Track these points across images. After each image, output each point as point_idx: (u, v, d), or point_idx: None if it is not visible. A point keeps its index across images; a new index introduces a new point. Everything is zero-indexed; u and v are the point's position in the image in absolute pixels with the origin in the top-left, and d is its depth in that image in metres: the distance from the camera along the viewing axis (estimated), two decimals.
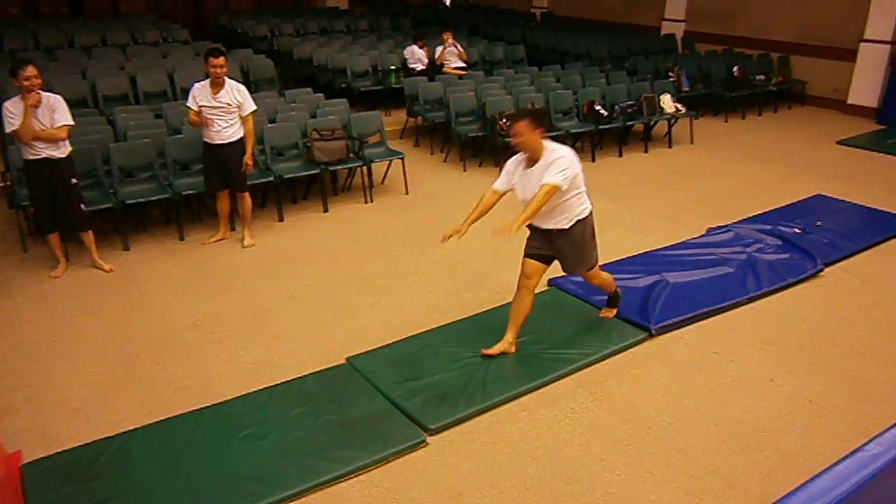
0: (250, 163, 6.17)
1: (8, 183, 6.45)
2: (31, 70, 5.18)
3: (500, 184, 4.57)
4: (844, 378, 4.56)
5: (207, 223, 6.82)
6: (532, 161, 4.34)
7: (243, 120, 6.08)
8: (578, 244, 4.56)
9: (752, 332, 5.08)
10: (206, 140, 6.07)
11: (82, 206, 5.70)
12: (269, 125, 7.33)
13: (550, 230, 4.50)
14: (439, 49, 10.77)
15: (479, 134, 8.76)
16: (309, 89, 8.92)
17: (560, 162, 4.22)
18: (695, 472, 3.72)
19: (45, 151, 5.38)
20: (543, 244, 4.60)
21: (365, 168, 7.66)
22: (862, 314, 5.37)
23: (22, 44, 10.70)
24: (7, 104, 5.29)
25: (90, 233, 5.80)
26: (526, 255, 4.67)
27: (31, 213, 5.96)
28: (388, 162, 7.97)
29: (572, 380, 4.49)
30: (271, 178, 6.92)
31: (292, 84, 10.26)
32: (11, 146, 6.32)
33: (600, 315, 5.20)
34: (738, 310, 5.38)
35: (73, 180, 5.62)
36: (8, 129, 5.34)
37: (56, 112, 5.34)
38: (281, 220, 7.00)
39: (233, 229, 6.62)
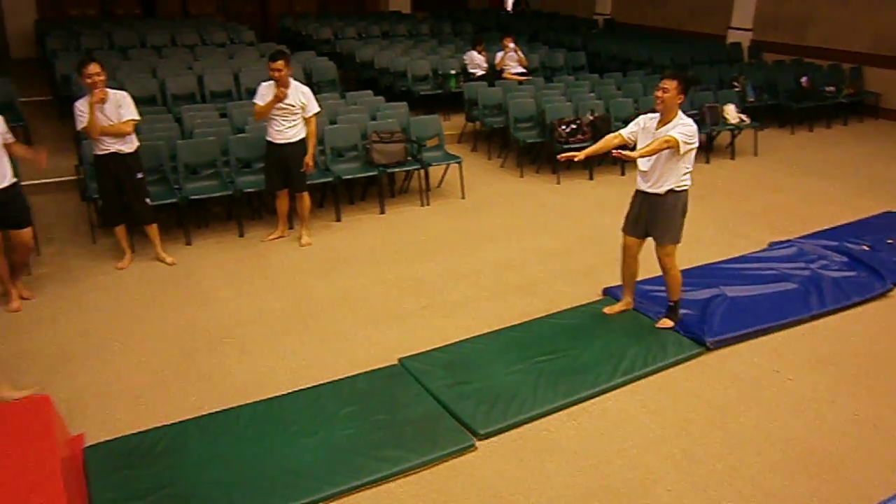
0: (311, 163, 6.27)
1: (80, 176, 6.71)
2: (93, 67, 5.30)
3: (626, 131, 4.95)
4: None
5: (266, 220, 6.96)
6: (663, 122, 4.69)
7: (307, 121, 6.18)
8: (669, 213, 4.83)
9: (814, 352, 4.93)
10: (269, 139, 6.19)
11: (147, 200, 5.88)
12: (330, 126, 7.44)
13: (647, 193, 4.84)
14: (499, 54, 10.77)
15: (538, 140, 8.73)
16: (370, 92, 9.03)
17: (688, 129, 4.60)
18: (749, 492, 3.62)
19: (113, 146, 5.55)
20: (638, 216, 4.98)
21: (422, 171, 7.71)
22: None
23: (98, 43, 11.12)
24: (78, 103, 5.48)
25: (154, 226, 5.98)
26: (625, 233, 5.13)
27: (100, 206, 6.17)
28: (445, 166, 8.00)
29: (625, 391, 4.43)
30: (330, 179, 7.02)
31: (354, 86, 10.40)
32: (84, 141, 6.57)
33: (656, 326, 5.13)
34: (800, 328, 5.23)
35: (140, 175, 5.77)
36: (78, 126, 5.54)
37: (122, 108, 5.49)
38: (338, 220, 7.10)
39: (291, 228, 6.74)
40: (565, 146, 8.32)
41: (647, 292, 5.51)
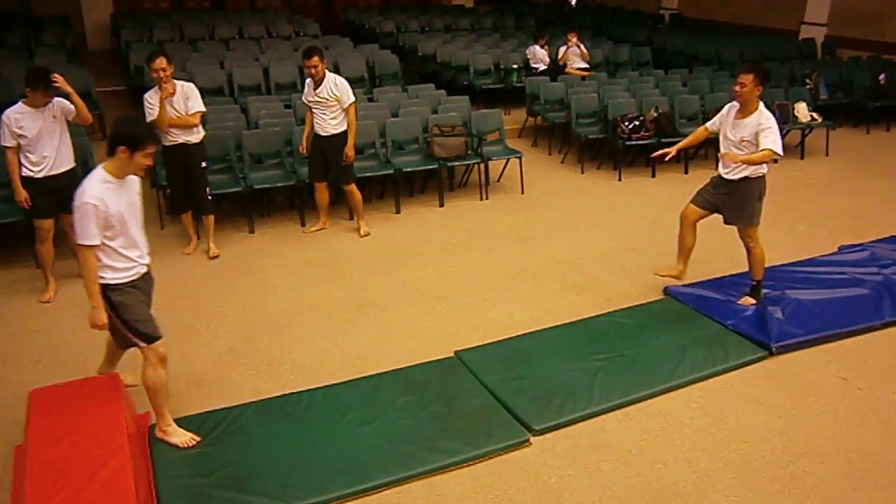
0: (351, 154, 6.27)
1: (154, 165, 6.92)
2: (160, 61, 5.41)
3: (712, 124, 5.23)
4: None
5: (328, 210, 7.07)
6: (743, 114, 4.88)
7: (345, 111, 6.19)
8: (745, 198, 5.02)
9: (886, 360, 4.74)
10: (316, 131, 6.26)
11: (207, 189, 5.99)
12: (392, 119, 7.50)
13: (725, 179, 5.04)
14: (562, 49, 10.67)
15: (600, 136, 8.62)
16: (431, 85, 9.06)
17: (773, 129, 4.76)
18: (812, 502, 3.51)
19: (181, 137, 5.69)
20: (712, 194, 5.16)
21: (482, 165, 7.70)
22: None
23: (169, 35, 11.48)
24: (147, 95, 5.64)
25: (212, 217, 6.10)
26: (691, 202, 5.28)
27: (167, 194, 6.36)
28: (505, 160, 7.98)
29: (683, 393, 4.35)
30: (391, 171, 7.08)
31: (416, 80, 10.47)
32: (155, 131, 6.78)
33: (738, 302, 5.25)
34: (871, 335, 5.03)
35: (203, 164, 5.90)
36: (147, 119, 5.64)
37: (190, 99, 5.61)
38: (398, 212, 7.16)
39: (350, 218, 6.81)
40: (628, 143, 8.21)
41: (707, 296, 5.39)
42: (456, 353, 4.65)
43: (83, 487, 3.04)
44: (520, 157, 7.77)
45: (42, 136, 4.96)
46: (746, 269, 5.83)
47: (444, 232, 6.73)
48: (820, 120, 9.35)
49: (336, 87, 6.09)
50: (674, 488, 3.58)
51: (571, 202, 7.54)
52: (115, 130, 3.44)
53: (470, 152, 7.49)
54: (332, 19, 16.55)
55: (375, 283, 5.68)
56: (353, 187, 6.46)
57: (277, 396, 4.18)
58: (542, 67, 10.64)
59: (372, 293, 5.51)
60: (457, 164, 7.49)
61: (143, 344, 3.64)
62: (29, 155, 4.98)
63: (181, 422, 3.89)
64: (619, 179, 8.30)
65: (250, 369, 4.51)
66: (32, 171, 5.03)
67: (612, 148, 8.53)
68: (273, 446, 3.75)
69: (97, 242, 3.41)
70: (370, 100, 8.30)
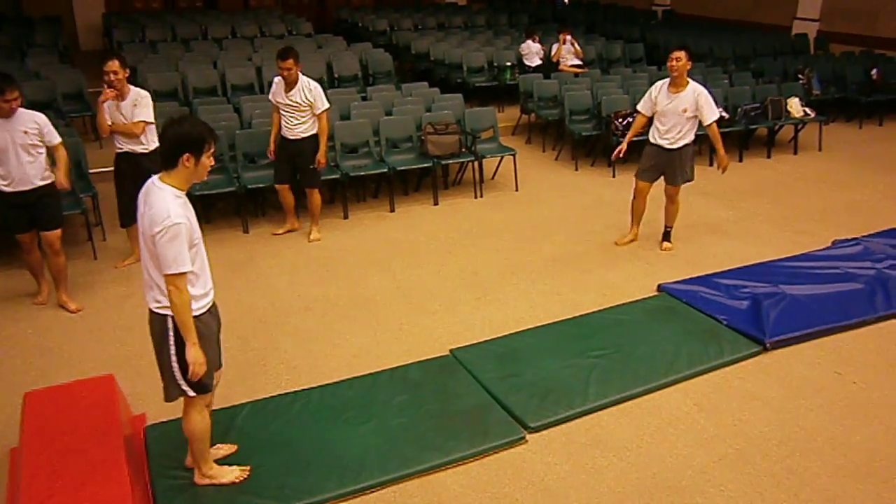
0: (323, 160, 6.18)
1: None
2: (111, 64, 5.12)
3: (643, 107, 6.00)
4: None
5: (322, 210, 7.06)
6: (676, 87, 5.72)
7: (318, 118, 6.08)
8: (685, 159, 5.92)
9: (880, 354, 4.76)
10: (283, 133, 6.13)
11: None
12: (386, 118, 7.49)
13: (666, 149, 5.87)
14: (556, 46, 10.68)
15: (593, 133, 8.63)
16: (425, 83, 9.06)
17: (709, 98, 5.68)
18: (807, 496, 3.52)
19: (126, 146, 5.38)
20: (654, 167, 6.01)
21: (476, 163, 7.69)
22: None
23: (161, 35, 11.43)
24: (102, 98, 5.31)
25: None
26: (641, 180, 6.12)
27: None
28: (499, 158, 7.98)
29: (678, 389, 4.36)
30: (385, 170, 7.07)
31: (409, 78, 10.46)
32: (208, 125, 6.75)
33: (661, 249, 6.15)
34: (865, 329, 5.05)
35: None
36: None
37: (137, 107, 5.27)
38: (392, 210, 7.15)
39: (345, 217, 6.81)
40: (621, 139, 8.20)
41: (701, 292, 5.40)
42: (451, 351, 4.65)
43: (79, 489, 3.04)
44: (514, 155, 7.77)
45: (7, 150, 4.66)
46: (740, 265, 5.88)
47: (438, 230, 6.73)
48: (813, 115, 9.38)
49: (310, 93, 5.96)
50: (670, 484, 3.59)
51: (566, 199, 7.55)
52: (175, 137, 2.98)
53: (464, 150, 7.49)
54: (325, 18, 16.50)
55: (370, 281, 5.68)
56: (316, 191, 6.34)
57: (273, 396, 4.17)
58: (537, 62, 10.64)
59: (367, 292, 5.51)
60: (451, 162, 7.49)
61: (191, 394, 3.18)
62: None
63: (176, 422, 3.87)
64: (614, 176, 8.31)
65: (245, 369, 4.50)
66: (1, 184, 4.77)
67: (605, 144, 8.53)
68: (269, 447, 3.74)
69: (192, 267, 2.96)
70: (364, 98, 8.29)
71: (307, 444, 3.76)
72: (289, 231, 6.55)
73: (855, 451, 3.84)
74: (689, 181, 6.06)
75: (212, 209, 6.85)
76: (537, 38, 10.85)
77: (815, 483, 3.61)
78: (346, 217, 6.89)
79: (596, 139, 8.77)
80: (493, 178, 8.06)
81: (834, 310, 5.16)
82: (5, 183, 4.77)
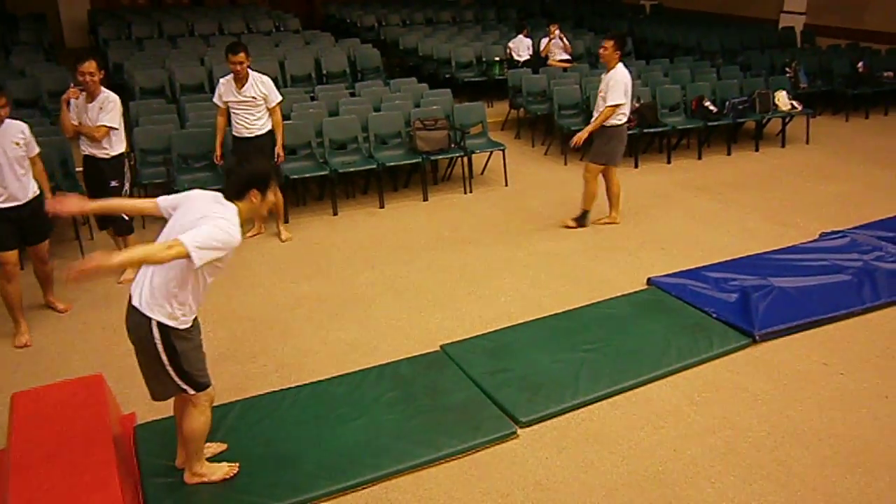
0: (282, 154, 6.14)
1: (131, 163, 6.85)
2: (88, 65, 4.99)
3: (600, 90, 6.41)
4: None
5: (311, 207, 7.05)
6: (607, 72, 6.24)
7: (271, 111, 6.01)
8: (604, 141, 6.32)
9: (866, 346, 4.79)
10: (235, 134, 6.02)
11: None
12: (374, 114, 7.48)
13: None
14: (544, 41, 10.67)
15: (582, 127, 8.58)
16: (413, 79, 9.04)
17: (617, 86, 6.12)
18: (795, 487, 3.55)
19: (88, 149, 5.25)
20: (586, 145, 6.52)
21: (466, 158, 7.69)
22: None
23: (148, 32, 11.37)
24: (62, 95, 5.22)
25: (129, 239, 5.55)
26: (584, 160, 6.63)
27: (150, 191, 6.28)
28: (488, 153, 7.97)
29: (668, 382, 4.37)
30: (374, 166, 7.06)
31: (398, 73, 10.43)
32: (136, 129, 6.72)
33: (564, 226, 6.52)
34: (852, 320, 5.08)
35: (114, 183, 5.33)
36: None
37: (103, 111, 5.11)
38: (382, 206, 7.14)
39: (334, 214, 6.79)
40: None
41: (690, 285, 5.42)
42: (442, 346, 4.65)
43: (68, 491, 3.02)
44: (503, 150, 7.77)
45: (2, 165, 4.48)
46: (729, 257, 5.91)
47: (428, 226, 6.72)
48: (800, 108, 9.42)
49: (263, 85, 5.90)
50: (661, 476, 3.61)
51: (555, 194, 7.56)
52: (248, 174, 3.10)
53: (453, 145, 7.48)
54: (312, 14, 16.44)
55: (360, 278, 5.67)
56: (279, 188, 6.30)
57: (263, 394, 4.16)
58: (527, 57, 10.64)
59: (356, 288, 5.50)
60: (440, 157, 7.48)
61: (192, 392, 3.19)
62: None
63: (166, 421, 3.87)
64: None
65: (235, 367, 4.49)
66: None
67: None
68: (259, 445, 3.73)
69: (199, 266, 2.88)
70: (352, 94, 8.27)
71: (297, 442, 3.76)
72: (257, 234, 6.43)
73: (842, 442, 3.87)
74: (594, 160, 6.39)
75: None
76: (527, 33, 10.85)
77: (803, 474, 3.63)
78: (335, 214, 6.88)
79: None
80: (482, 173, 8.06)
81: (822, 302, 5.19)
82: (1, 199, 4.54)
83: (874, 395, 4.28)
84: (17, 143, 4.56)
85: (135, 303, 3.04)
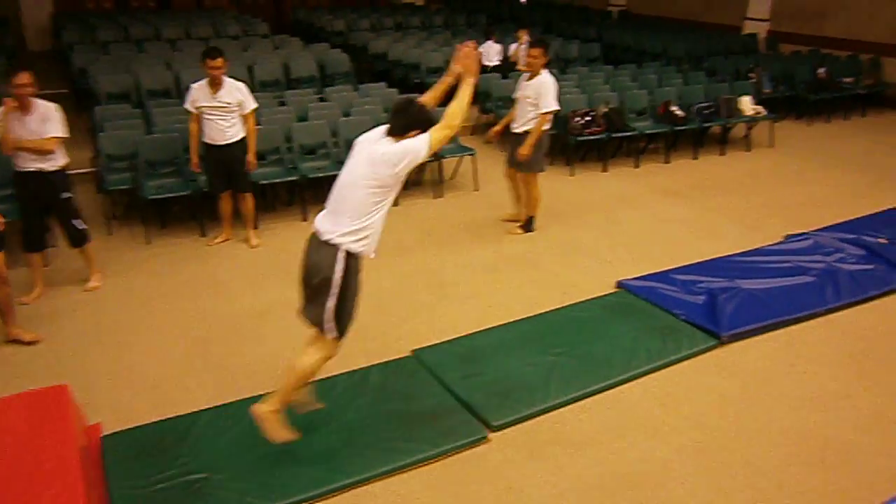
0: (254, 161, 6.10)
1: (97, 168, 6.76)
2: (22, 77, 4.77)
3: (515, 92, 6.51)
4: None
5: (280, 212, 7.01)
6: (531, 77, 6.25)
7: (245, 118, 5.97)
8: (538, 148, 6.28)
9: (830, 346, 4.89)
10: (208, 141, 5.92)
11: (77, 221, 5.31)
12: (344, 118, 7.45)
13: (515, 133, 6.40)
14: (514, 46, 10.73)
15: (552, 132, 8.63)
16: (383, 84, 9.03)
17: (550, 92, 6.15)
18: (763, 485, 3.61)
19: (33, 164, 4.98)
20: (510, 151, 6.50)
21: (436, 163, 7.70)
22: None
23: (113, 36, 11.21)
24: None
25: (88, 248, 5.47)
26: (507, 165, 6.72)
27: (116, 198, 6.20)
28: (458, 158, 7.99)
29: (638, 384, 4.42)
30: None
31: (367, 79, 10.40)
32: (101, 134, 6.63)
33: (508, 233, 6.56)
34: (816, 321, 5.19)
35: (67, 195, 5.20)
36: None
37: (48, 122, 4.92)
38: None
39: (304, 220, 6.75)
40: (579, 138, 8.31)
41: (659, 288, 5.49)
42: (413, 352, 4.65)
43: (33, 502, 2.96)
44: (473, 155, 7.80)
45: None
46: (697, 260, 6.00)
47: (398, 231, 6.71)
48: (764, 113, 9.60)
49: (239, 91, 5.86)
50: (631, 478, 3.65)
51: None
52: (417, 114, 3.45)
53: None
54: (281, 18, 16.36)
55: None
56: (249, 195, 6.21)
57: (233, 402, 4.11)
58: (496, 62, 10.69)
59: None
60: None
61: (333, 336, 3.55)
62: None
63: (135, 431, 3.81)
64: (572, 174, 8.40)
65: (205, 375, 4.44)
66: None
67: (563, 144, 8.62)
68: (229, 453, 3.69)
69: (405, 169, 3.39)
70: (321, 100, 8.23)
71: (268, 450, 3.71)
72: (225, 240, 6.35)
73: (807, 441, 3.94)
74: (531, 171, 6.43)
75: (168, 214, 6.73)
76: (496, 38, 10.91)
77: (769, 472, 3.70)
78: (305, 219, 6.84)
79: (554, 138, 8.82)
80: (452, 178, 8.08)
81: (786, 303, 5.29)
82: None
83: (837, 394, 4.37)
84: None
85: (327, 238, 3.42)
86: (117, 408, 4.07)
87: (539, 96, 6.14)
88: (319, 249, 3.44)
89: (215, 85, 5.78)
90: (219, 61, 5.68)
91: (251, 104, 5.98)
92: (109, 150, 6.55)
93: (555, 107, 6.20)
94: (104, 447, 3.70)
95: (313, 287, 3.50)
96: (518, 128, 6.36)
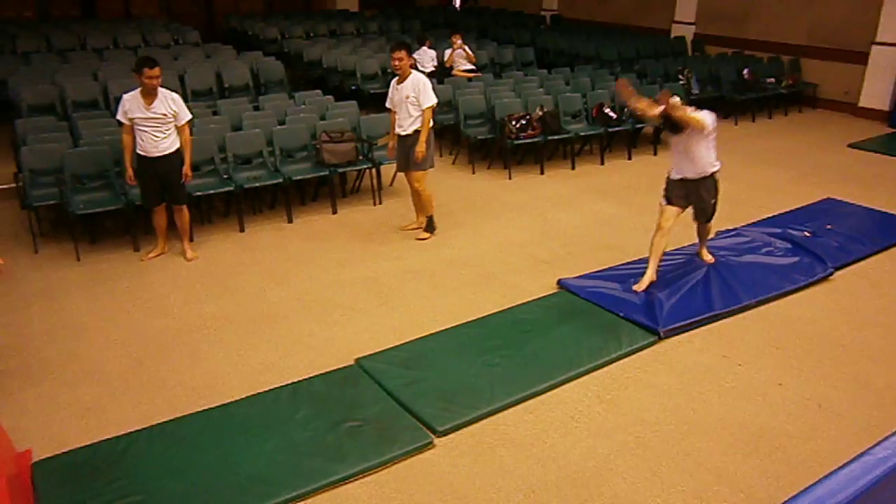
0: (190, 174, 6.01)
1: (20, 184, 6.51)
2: None
3: (389, 103, 6.60)
4: (854, 383, 4.54)
5: (217, 225, 6.87)
6: (401, 80, 6.36)
7: (180, 130, 5.88)
8: (428, 146, 6.39)
9: (761, 336, 5.06)
10: (141, 153, 5.79)
11: None
12: (279, 127, 7.36)
13: (402, 135, 6.46)
14: (448, 51, 10.79)
15: (488, 136, 8.76)
16: (318, 91, 8.96)
17: (428, 88, 6.28)
18: (702, 475, 3.70)
19: None
20: (402, 155, 6.55)
21: (374, 170, 7.67)
22: (872, 318, 5.34)
23: (34, 46, 10.81)
24: None
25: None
26: (397, 170, 7.06)
27: (41, 214, 5.97)
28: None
29: (580, 383, 4.49)
30: (280, 180, 6.94)
31: (302, 86, 10.30)
32: (23, 148, 6.38)
33: (416, 238, 6.58)
34: (748, 313, 5.36)
35: None
36: None
37: None
38: (290, 221, 7.03)
39: (241, 230, 6.64)
40: (516, 142, 8.40)
41: (599, 287, 5.58)
42: (356, 360, 4.61)
43: None
44: None
45: None
46: (634, 258, 6.12)
47: (338, 239, 6.66)
48: None
49: (174, 103, 5.76)
50: (575, 476, 3.69)
51: (463, 203, 7.64)
52: None
53: (361, 158, 7.45)
54: (212, 26, 16.05)
55: (269, 295, 5.56)
56: (185, 207, 6.10)
57: (170, 420, 4.00)
58: (431, 68, 10.72)
59: (266, 306, 5.39)
60: (348, 169, 7.44)
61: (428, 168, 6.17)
62: None
63: (65, 456, 3.67)
64: (510, 178, 8.48)
65: (140, 394, 4.31)
66: None
67: (500, 147, 8.70)
68: (169, 473, 3.59)
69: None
70: (256, 108, 8.11)
71: (210, 467, 3.64)
72: (160, 254, 6.19)
73: (742, 430, 4.07)
74: (423, 168, 6.46)
75: (99, 229, 6.52)
76: (430, 44, 10.94)
77: (708, 462, 3.80)
78: (242, 230, 6.72)
79: (491, 142, 8.92)
80: (391, 184, 8.06)
81: (720, 297, 5.45)
82: None
83: (769, 382, 4.52)
84: None
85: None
86: (48, 433, 3.92)
87: (419, 93, 6.21)
88: None
89: (149, 95, 5.65)
90: (156, 70, 5.58)
91: (186, 115, 5.87)
92: (33, 164, 6.31)
93: (435, 100, 6.30)
94: (35, 474, 3.55)
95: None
96: (406, 129, 6.38)
